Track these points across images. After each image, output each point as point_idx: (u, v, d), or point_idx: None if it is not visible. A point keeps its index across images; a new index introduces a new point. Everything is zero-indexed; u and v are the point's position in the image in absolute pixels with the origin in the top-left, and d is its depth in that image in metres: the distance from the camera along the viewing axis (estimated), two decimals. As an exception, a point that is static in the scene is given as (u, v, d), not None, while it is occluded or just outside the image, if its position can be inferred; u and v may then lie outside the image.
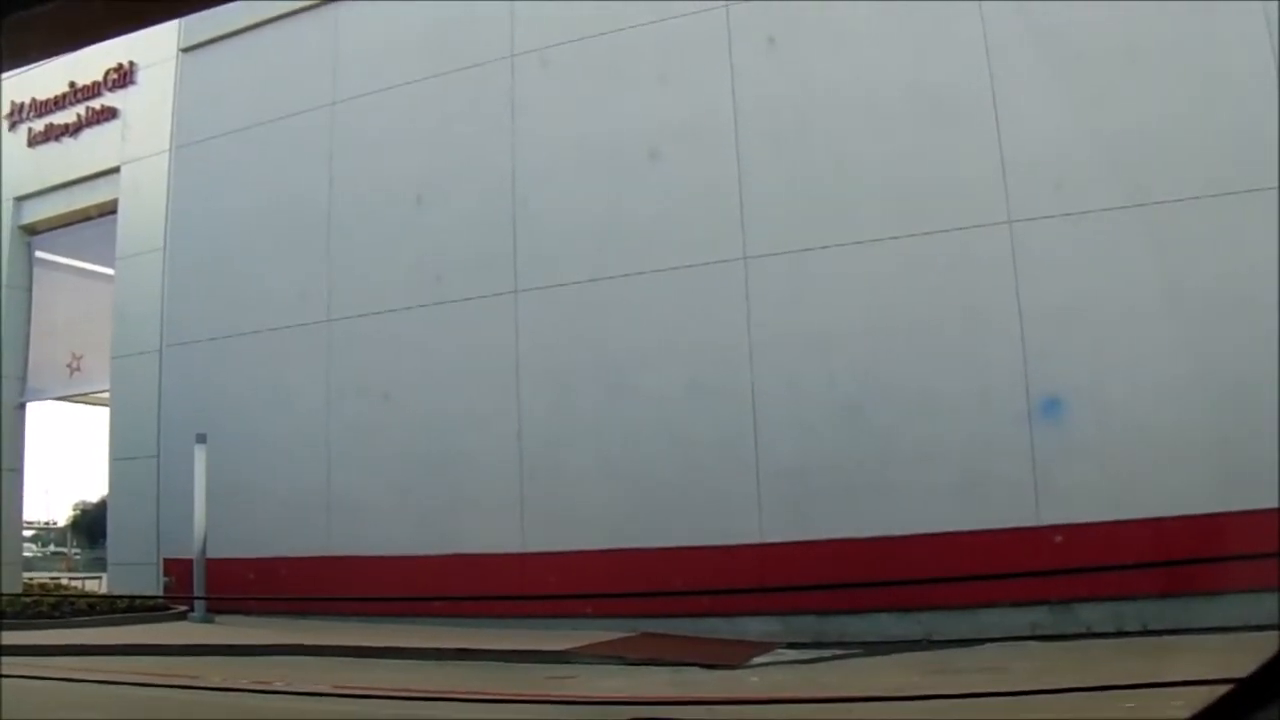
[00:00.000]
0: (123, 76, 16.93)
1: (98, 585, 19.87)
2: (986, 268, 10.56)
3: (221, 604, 13.19)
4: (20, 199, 17.94)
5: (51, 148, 17.58)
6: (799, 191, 11.53)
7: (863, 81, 11.38)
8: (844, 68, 11.53)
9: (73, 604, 13.45)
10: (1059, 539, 9.61)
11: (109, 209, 16.91)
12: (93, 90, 17.23)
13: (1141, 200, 9.75)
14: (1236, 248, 9.28)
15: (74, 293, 18.54)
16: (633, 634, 10.58)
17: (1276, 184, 8.66)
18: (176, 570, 14.20)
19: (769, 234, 11.54)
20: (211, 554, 13.15)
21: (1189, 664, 6.67)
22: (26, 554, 24.31)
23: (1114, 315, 9.96)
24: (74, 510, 41.60)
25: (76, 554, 39.30)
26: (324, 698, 7.43)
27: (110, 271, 17.03)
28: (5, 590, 14.79)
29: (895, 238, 10.91)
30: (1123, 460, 9.61)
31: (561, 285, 12.55)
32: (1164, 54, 10.13)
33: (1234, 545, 8.51)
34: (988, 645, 9.16)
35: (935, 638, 9.75)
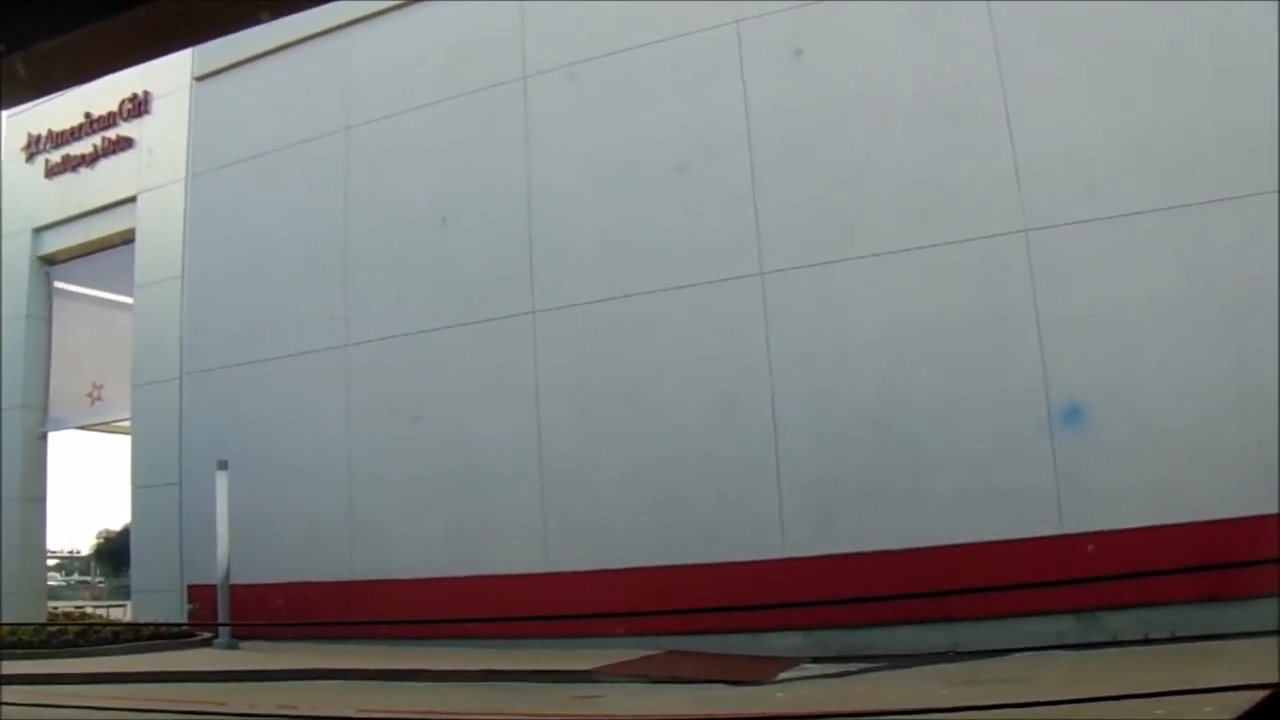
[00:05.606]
0: (138, 106, 17.07)
1: (122, 613, 19.90)
2: (1006, 275, 10.50)
3: (246, 630, 13.22)
4: (39, 229, 18.10)
5: (69, 178, 17.74)
6: (815, 204, 11.52)
7: (877, 91, 11.36)
8: (858, 78, 11.50)
9: (97, 632, 13.47)
10: (1090, 548, 9.52)
11: (127, 238, 16.99)
12: (108, 120, 17.37)
13: (1162, 203, 9.73)
14: (1255, 249, 9.19)
15: (93, 322, 18.60)
16: (657, 652, 10.53)
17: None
18: (200, 597, 14.21)
19: (786, 247, 11.52)
20: (235, 580, 13.18)
21: (1219, 670, 6.60)
22: (51, 583, 24.39)
23: (1137, 319, 9.90)
24: (97, 539, 41.70)
25: (100, 582, 39.39)
26: (349, 721, 7.43)
27: (129, 300, 17.10)
28: (31, 620, 14.83)
29: (913, 248, 10.87)
30: (1149, 465, 9.53)
31: (579, 304, 12.56)
32: (1180, 53, 10.05)
33: (1263, 549, 8.42)
34: (1015, 655, 9.08)
35: (962, 649, 9.66)
